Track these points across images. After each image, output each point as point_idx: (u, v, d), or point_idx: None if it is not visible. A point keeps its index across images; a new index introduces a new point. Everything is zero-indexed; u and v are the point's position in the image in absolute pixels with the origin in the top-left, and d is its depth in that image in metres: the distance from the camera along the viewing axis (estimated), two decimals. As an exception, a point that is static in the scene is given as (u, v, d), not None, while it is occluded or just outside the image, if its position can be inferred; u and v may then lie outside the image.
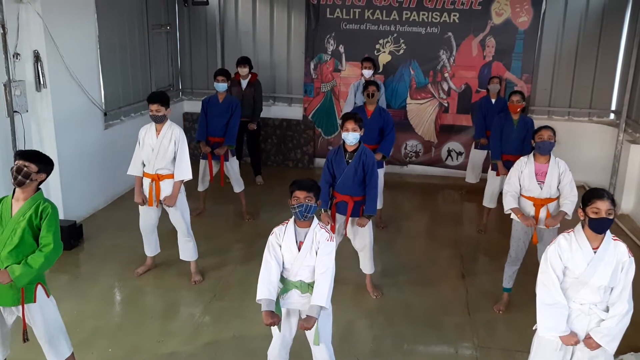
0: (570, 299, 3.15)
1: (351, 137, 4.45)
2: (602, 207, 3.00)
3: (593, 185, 7.82)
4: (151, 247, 5.17)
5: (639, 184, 6.83)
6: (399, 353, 4.19)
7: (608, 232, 3.12)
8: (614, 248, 3.09)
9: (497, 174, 6.17)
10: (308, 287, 3.30)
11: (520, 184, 4.52)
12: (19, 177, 3.18)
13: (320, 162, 8.52)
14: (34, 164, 3.21)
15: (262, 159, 8.09)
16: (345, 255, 5.22)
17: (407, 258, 5.75)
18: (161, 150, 4.75)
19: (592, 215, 3.01)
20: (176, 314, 4.66)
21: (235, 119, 6.27)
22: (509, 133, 5.96)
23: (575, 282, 3.10)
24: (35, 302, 3.29)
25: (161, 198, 4.87)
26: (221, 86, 6.23)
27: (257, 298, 3.21)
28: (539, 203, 4.47)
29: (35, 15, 5.39)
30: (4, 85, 5.21)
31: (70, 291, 4.87)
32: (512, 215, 4.59)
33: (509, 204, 4.53)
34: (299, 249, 3.24)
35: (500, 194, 6.26)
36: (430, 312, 4.73)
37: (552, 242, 3.22)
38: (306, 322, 3.18)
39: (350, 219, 4.70)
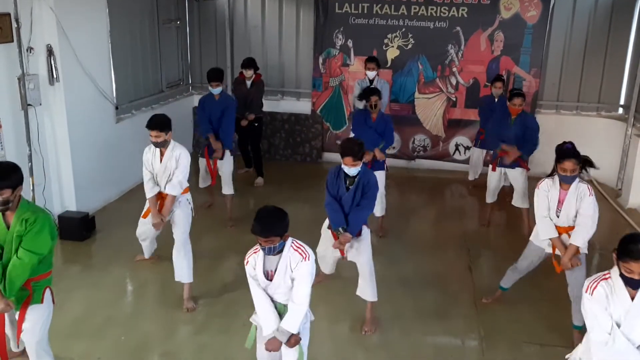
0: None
1: (353, 171, 4.08)
2: (636, 269, 2.64)
3: (601, 181, 7.85)
4: (148, 251, 5.24)
5: (647, 179, 6.83)
6: (406, 344, 4.24)
7: None
8: None
9: (493, 169, 6.09)
10: (284, 308, 3.18)
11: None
12: (1, 207, 3.08)
13: (328, 156, 8.57)
14: (5, 188, 3.05)
15: (263, 158, 7.70)
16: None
17: (414, 251, 5.79)
18: (165, 175, 4.64)
19: (625, 273, 2.69)
20: (187, 304, 4.73)
21: (228, 118, 6.15)
22: (505, 130, 5.91)
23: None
24: (42, 302, 3.31)
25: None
26: (216, 91, 6.15)
27: (268, 333, 3.18)
28: (559, 231, 4.13)
29: (48, 10, 5.47)
30: (18, 79, 5.31)
31: (82, 281, 4.97)
32: (531, 237, 4.36)
33: (547, 232, 4.10)
34: (271, 279, 3.14)
35: (502, 188, 6.32)
36: (437, 304, 4.78)
37: (586, 289, 2.84)
38: (270, 345, 3.16)
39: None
